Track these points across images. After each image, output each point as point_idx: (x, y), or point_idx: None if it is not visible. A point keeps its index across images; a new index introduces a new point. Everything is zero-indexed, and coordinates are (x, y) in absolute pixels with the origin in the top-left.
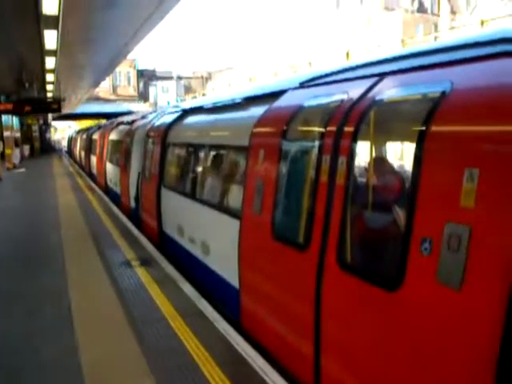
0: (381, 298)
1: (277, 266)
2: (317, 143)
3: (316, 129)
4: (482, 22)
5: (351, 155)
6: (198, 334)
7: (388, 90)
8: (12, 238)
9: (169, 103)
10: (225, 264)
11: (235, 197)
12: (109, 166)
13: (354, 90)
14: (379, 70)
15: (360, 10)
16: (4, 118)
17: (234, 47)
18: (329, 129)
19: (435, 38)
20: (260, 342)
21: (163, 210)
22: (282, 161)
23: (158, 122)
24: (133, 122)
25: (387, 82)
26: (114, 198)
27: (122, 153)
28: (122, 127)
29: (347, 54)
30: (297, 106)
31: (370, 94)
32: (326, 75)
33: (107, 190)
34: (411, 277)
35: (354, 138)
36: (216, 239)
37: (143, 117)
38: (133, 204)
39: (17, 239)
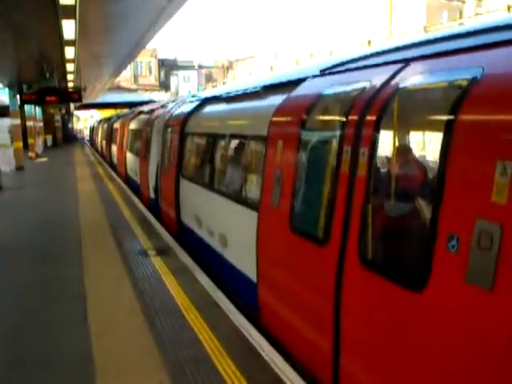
0: (404, 299)
1: (295, 260)
2: (337, 133)
3: (336, 118)
4: (509, 8)
5: (373, 145)
6: (212, 326)
7: (413, 77)
8: (31, 229)
9: (190, 92)
10: (242, 257)
11: (253, 188)
12: (129, 156)
13: (377, 77)
14: (403, 56)
15: None
16: (26, 107)
17: (255, 36)
18: (350, 118)
19: (460, 25)
20: (278, 337)
21: (181, 200)
22: (300, 151)
23: (176, 112)
24: (152, 111)
25: (412, 68)
26: (135, 187)
27: (141, 142)
28: (141, 116)
29: (369, 42)
30: (317, 95)
31: (394, 81)
32: (348, 62)
33: (127, 180)
34: (437, 276)
35: (377, 127)
36: (233, 231)
37: (163, 106)
38: (152, 194)
39: (35, 229)
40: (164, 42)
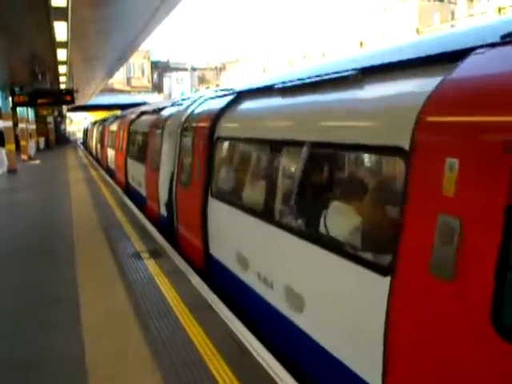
0: None
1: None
2: None
3: None
4: (500, 9)
5: None
6: (205, 327)
7: None
8: (23, 232)
9: (183, 94)
10: (347, 340)
11: (376, 235)
12: (131, 163)
13: None
14: None
15: None
16: (19, 109)
17: (247, 37)
18: None
19: (452, 26)
20: None
21: (211, 226)
22: None
23: (198, 110)
24: (160, 110)
25: None
26: (139, 200)
27: (148, 147)
28: (146, 117)
29: (361, 44)
30: None
31: None
32: None
33: (128, 190)
34: None
35: None
36: (323, 293)
37: (174, 104)
38: (164, 211)
39: (28, 232)
40: (157, 44)
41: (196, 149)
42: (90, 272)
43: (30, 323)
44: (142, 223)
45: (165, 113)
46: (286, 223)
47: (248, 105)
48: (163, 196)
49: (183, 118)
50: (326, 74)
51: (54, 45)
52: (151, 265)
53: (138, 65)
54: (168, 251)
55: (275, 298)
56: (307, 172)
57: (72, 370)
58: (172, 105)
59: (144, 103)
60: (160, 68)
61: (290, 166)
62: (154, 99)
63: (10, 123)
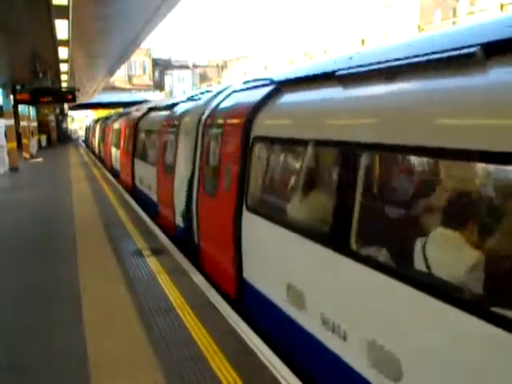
0: None
1: None
2: None
3: None
4: (502, 6)
5: None
6: (207, 325)
7: None
8: (24, 231)
9: (184, 92)
10: None
11: None
12: (139, 164)
13: None
14: None
15: None
16: (20, 107)
17: (248, 35)
18: None
19: (453, 23)
20: None
21: (247, 246)
22: None
23: (225, 104)
24: (173, 105)
25: None
26: (148, 205)
27: (159, 148)
28: (157, 114)
29: (362, 41)
30: None
31: None
32: None
33: (136, 193)
34: None
35: None
36: (427, 357)
37: (190, 98)
38: (180, 221)
39: (30, 231)
40: (158, 42)
41: (225, 150)
42: (92, 270)
43: (31, 322)
44: (141, 216)
45: (179, 108)
46: (370, 255)
47: (296, 97)
48: (179, 204)
49: (205, 115)
50: (412, 57)
51: (55, 43)
52: (153, 262)
53: (139, 63)
54: (170, 249)
55: (351, 354)
56: (413, 186)
57: (74, 367)
58: (187, 99)
59: (145, 101)
60: (161, 66)
61: (378, 177)
62: (155, 97)
63: (11, 121)
